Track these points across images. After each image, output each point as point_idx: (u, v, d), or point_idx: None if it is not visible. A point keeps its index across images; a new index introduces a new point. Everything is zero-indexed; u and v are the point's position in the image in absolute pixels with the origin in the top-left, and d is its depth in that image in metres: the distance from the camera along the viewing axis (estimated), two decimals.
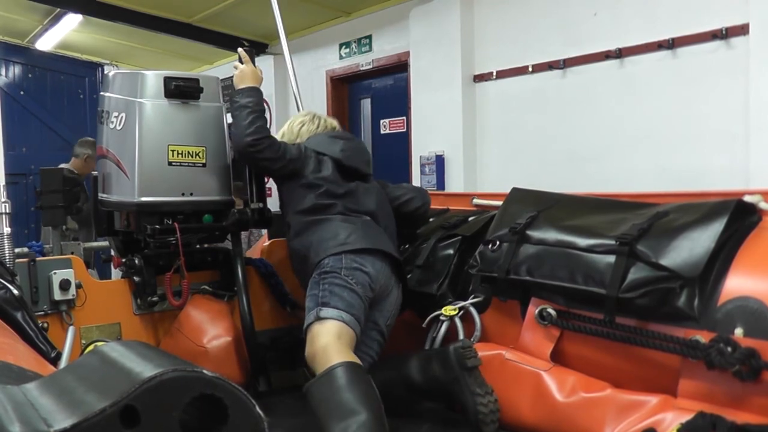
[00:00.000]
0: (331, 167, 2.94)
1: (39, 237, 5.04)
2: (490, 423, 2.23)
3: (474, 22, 6.40)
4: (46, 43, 9.50)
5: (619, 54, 5.21)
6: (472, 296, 2.64)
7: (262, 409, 0.80)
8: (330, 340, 2.40)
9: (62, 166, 6.81)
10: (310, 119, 3.28)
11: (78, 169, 6.61)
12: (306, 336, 2.50)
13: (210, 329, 2.92)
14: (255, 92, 2.93)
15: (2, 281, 2.13)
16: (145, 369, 0.76)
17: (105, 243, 3.77)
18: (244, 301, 2.96)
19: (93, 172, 3.20)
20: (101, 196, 3.06)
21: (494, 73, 6.19)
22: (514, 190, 2.77)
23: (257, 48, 7.97)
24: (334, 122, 3.34)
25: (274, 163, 2.88)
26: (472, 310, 2.60)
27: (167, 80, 2.93)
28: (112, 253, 3.31)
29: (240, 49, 3.06)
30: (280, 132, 3.30)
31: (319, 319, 2.48)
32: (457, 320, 2.60)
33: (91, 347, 2.43)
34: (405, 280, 2.80)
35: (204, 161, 2.98)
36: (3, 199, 2.73)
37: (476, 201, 3.12)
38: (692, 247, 1.99)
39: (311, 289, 2.62)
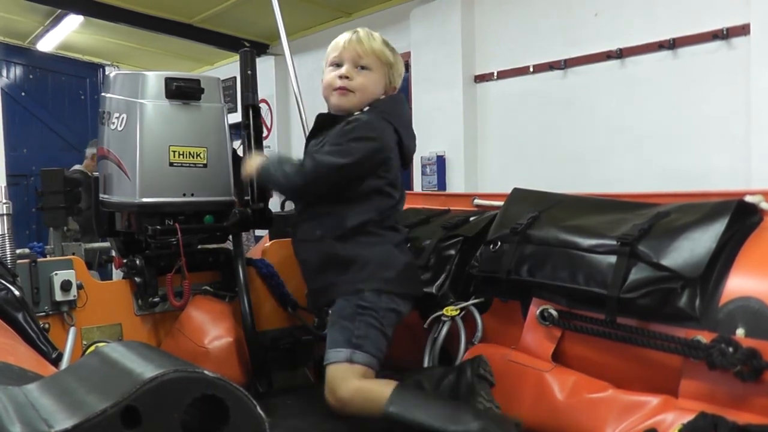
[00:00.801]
0: (398, 160, 2.65)
1: (47, 240, 5.06)
2: None
3: (475, 22, 6.41)
4: (47, 44, 9.53)
5: (620, 54, 5.22)
6: (473, 297, 2.64)
7: (263, 410, 0.80)
8: (359, 383, 2.35)
9: (76, 167, 6.91)
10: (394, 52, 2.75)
11: (90, 170, 6.73)
12: (327, 371, 2.41)
13: (211, 330, 2.92)
14: (274, 155, 2.75)
15: (3, 282, 2.13)
16: (146, 370, 0.77)
17: (106, 244, 3.78)
18: (245, 301, 2.96)
19: (94, 173, 3.21)
20: (102, 196, 3.07)
21: (495, 74, 6.20)
22: (515, 191, 2.77)
23: (258, 49, 7.99)
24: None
25: (342, 177, 2.51)
26: (474, 310, 2.60)
27: (168, 81, 2.93)
28: (113, 253, 3.32)
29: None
30: (389, 57, 2.69)
31: (350, 362, 2.39)
32: (459, 321, 2.60)
33: (92, 348, 2.43)
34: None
35: (205, 162, 2.98)
36: (4, 200, 2.73)
37: (477, 201, 3.12)
38: (693, 247, 1.99)
39: (345, 318, 2.45)
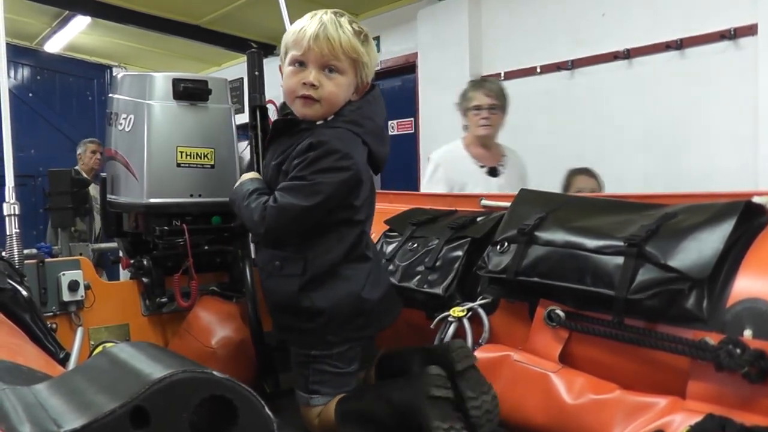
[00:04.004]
0: (369, 175, 2.42)
1: (45, 240, 5.10)
2: (486, 423, 2.15)
3: (482, 23, 6.41)
4: (55, 45, 9.56)
5: (628, 54, 5.22)
6: (480, 297, 2.64)
7: (271, 410, 0.80)
8: (320, 419, 2.39)
9: (77, 168, 7.12)
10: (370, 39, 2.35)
11: (82, 170, 6.94)
12: (300, 408, 2.48)
13: (218, 330, 2.93)
14: (250, 182, 2.45)
15: (11, 282, 2.14)
16: (155, 370, 0.77)
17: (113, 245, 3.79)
18: (253, 302, 2.97)
19: (102, 174, 3.21)
20: (110, 197, 3.08)
21: (502, 74, 6.20)
22: (523, 191, 2.77)
23: (265, 50, 7.99)
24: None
25: (309, 219, 2.25)
26: (481, 311, 2.60)
27: (175, 82, 2.94)
28: (121, 254, 3.33)
29: None
30: (362, 55, 2.28)
31: (309, 405, 2.42)
32: (466, 321, 2.59)
33: (99, 348, 2.44)
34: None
35: (212, 163, 2.99)
36: (12, 201, 2.74)
37: (484, 202, 3.11)
38: (701, 248, 1.99)
39: (299, 366, 2.43)
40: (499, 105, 4.29)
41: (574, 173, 4.64)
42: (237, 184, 2.49)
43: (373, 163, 2.41)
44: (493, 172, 4.27)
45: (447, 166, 4.29)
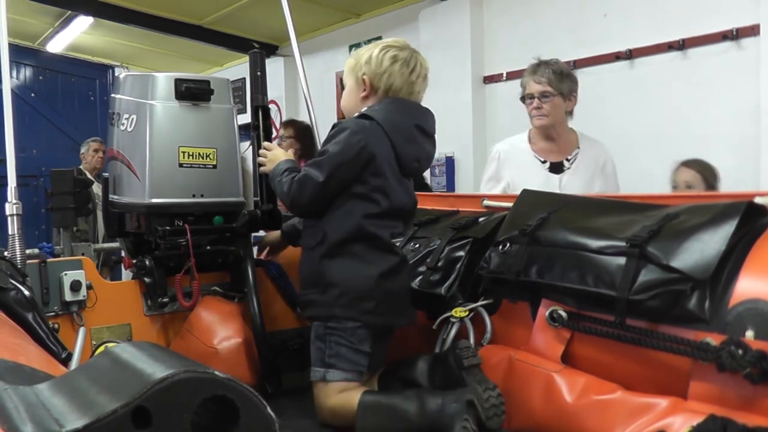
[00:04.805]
0: (391, 165, 2.60)
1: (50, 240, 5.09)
2: (493, 417, 2.22)
3: (484, 23, 6.40)
4: (57, 45, 9.56)
5: (630, 55, 5.21)
6: (482, 298, 2.64)
7: (273, 410, 0.80)
8: (335, 401, 2.45)
9: (80, 167, 7.16)
10: (406, 58, 2.65)
11: (85, 169, 6.97)
12: (314, 391, 2.54)
13: (220, 330, 2.93)
14: (285, 162, 2.70)
15: (13, 282, 2.14)
16: (156, 370, 0.77)
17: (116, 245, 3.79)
18: (255, 302, 2.97)
19: (104, 174, 3.21)
20: (112, 197, 3.08)
21: (504, 75, 6.20)
22: (525, 192, 2.77)
23: (267, 50, 8.01)
24: (425, 79, 2.77)
25: (327, 189, 2.51)
26: (483, 311, 2.60)
27: (178, 82, 2.94)
28: (123, 254, 3.33)
29: (265, 143, 2.88)
30: (352, 60, 2.71)
31: (325, 380, 2.50)
32: (468, 322, 2.59)
33: (101, 348, 2.44)
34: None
35: (214, 163, 2.99)
36: (14, 201, 2.74)
37: (486, 203, 3.11)
38: (703, 249, 1.99)
39: (318, 339, 2.56)
40: (554, 92, 3.74)
41: (679, 165, 4.18)
42: (275, 164, 2.71)
43: (399, 162, 2.60)
44: (555, 168, 3.77)
45: (504, 162, 3.89)
